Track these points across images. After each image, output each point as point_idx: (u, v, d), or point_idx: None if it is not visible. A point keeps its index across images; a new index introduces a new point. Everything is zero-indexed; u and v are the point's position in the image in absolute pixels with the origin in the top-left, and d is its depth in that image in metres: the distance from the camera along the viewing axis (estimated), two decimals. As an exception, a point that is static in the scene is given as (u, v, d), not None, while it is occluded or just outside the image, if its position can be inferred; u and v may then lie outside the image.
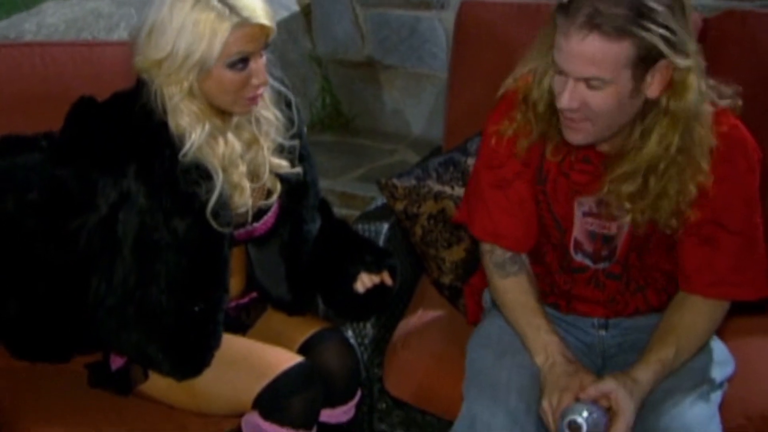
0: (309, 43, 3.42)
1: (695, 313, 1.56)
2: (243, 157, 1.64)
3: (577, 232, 1.60)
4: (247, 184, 1.64)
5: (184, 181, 1.56)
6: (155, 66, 1.52)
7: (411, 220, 1.99)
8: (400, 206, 1.99)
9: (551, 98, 1.48)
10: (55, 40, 2.75)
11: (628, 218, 1.51)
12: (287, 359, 1.64)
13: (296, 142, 1.72)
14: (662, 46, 1.35)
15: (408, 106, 3.25)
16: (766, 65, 2.00)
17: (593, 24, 1.34)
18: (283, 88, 1.71)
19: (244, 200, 1.64)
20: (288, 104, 1.72)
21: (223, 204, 1.60)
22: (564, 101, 1.41)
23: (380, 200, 2.13)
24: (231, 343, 1.67)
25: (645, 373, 1.49)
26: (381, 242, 1.97)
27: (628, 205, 1.49)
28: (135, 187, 1.55)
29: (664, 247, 1.58)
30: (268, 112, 1.68)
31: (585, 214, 1.58)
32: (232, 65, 1.53)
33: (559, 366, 1.51)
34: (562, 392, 1.47)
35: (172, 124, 1.56)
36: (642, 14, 1.34)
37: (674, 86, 1.40)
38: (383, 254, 1.81)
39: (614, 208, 1.52)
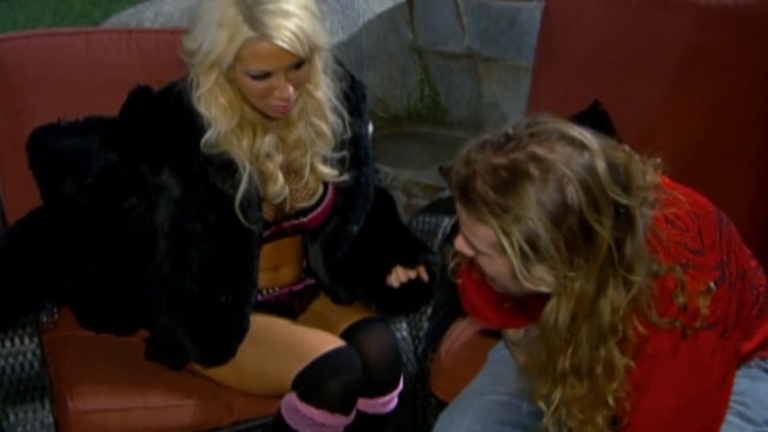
0: (410, 34, 3.42)
1: None
2: (278, 149, 1.63)
3: None
4: (281, 175, 1.63)
5: (214, 176, 1.59)
6: (190, 56, 1.56)
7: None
8: (460, 193, 1.95)
9: None
10: (143, 27, 2.86)
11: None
12: (328, 342, 1.65)
13: (345, 153, 1.69)
14: (513, 256, 1.16)
15: (505, 99, 3.18)
16: None
17: (461, 192, 1.19)
18: (338, 104, 1.67)
19: (279, 190, 1.64)
20: (342, 116, 1.68)
21: (253, 197, 1.61)
22: (456, 243, 1.27)
23: (448, 192, 2.10)
24: (275, 325, 1.71)
25: None
26: (439, 236, 1.94)
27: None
28: (171, 179, 1.59)
29: None
30: (323, 123, 1.65)
31: None
32: (252, 76, 1.52)
33: None
34: None
35: (202, 112, 1.58)
36: (507, 209, 1.14)
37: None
38: (420, 248, 1.78)
39: None
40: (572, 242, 1.15)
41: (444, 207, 2.05)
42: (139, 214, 1.63)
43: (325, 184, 1.72)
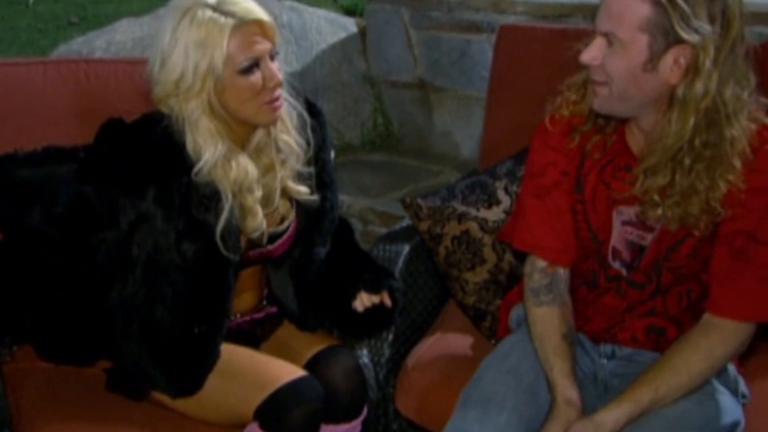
0: (363, 64, 3.47)
1: (703, 341, 1.51)
2: (260, 182, 1.66)
3: (615, 241, 1.59)
4: (260, 210, 1.66)
5: (196, 206, 1.60)
6: (173, 89, 1.57)
7: (435, 241, 1.99)
8: (424, 226, 2.00)
9: None
10: (101, 57, 2.86)
11: (659, 210, 1.49)
12: (290, 372, 1.66)
13: (312, 169, 1.74)
14: (675, 18, 1.35)
15: (457, 128, 3.25)
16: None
17: None
18: (304, 112, 1.72)
19: (257, 225, 1.66)
20: (306, 127, 1.72)
21: (233, 229, 1.62)
22: (584, 55, 1.44)
23: (408, 221, 2.14)
24: (237, 354, 1.71)
25: (612, 414, 1.49)
26: (399, 264, 1.98)
27: (657, 198, 1.48)
28: (153, 209, 1.59)
29: (700, 258, 1.55)
30: (290, 138, 1.69)
31: (624, 223, 1.57)
32: (242, 71, 1.56)
33: (558, 409, 1.54)
34: None
35: (189, 141, 1.59)
36: None
37: (688, 71, 1.39)
38: (383, 274, 1.82)
39: (648, 208, 1.51)
40: (713, 18, 1.36)
41: (403, 235, 2.09)
42: (108, 248, 1.63)
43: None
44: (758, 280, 1.48)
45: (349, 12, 3.97)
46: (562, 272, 1.65)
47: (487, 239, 1.96)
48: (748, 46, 1.43)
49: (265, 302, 1.85)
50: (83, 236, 1.64)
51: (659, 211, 1.49)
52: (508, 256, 1.96)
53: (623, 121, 1.54)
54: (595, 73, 1.45)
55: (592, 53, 1.43)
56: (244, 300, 1.80)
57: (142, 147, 1.62)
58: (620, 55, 1.40)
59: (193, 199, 1.60)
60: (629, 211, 1.55)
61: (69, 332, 1.75)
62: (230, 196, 1.61)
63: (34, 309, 1.70)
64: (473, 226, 1.98)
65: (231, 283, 1.67)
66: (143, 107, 1.71)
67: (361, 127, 3.43)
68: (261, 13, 1.57)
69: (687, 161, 1.43)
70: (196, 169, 1.59)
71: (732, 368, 1.61)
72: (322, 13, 3.65)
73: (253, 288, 1.82)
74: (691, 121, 1.40)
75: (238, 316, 1.80)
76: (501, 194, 2.00)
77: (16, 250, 1.71)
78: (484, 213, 1.99)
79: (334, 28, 3.56)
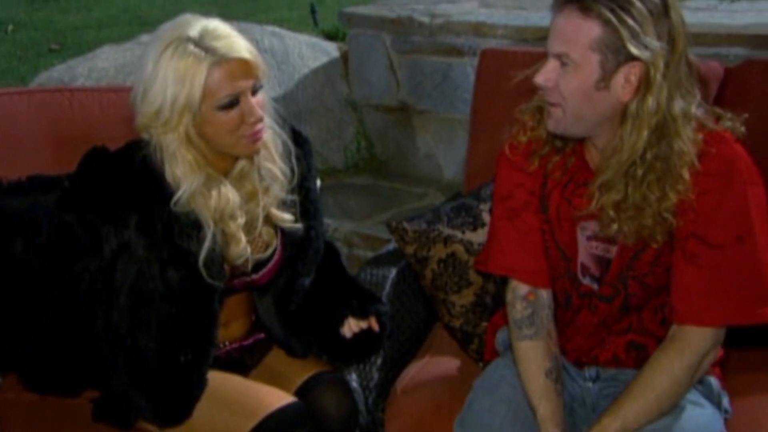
0: (346, 88, 3.50)
1: (662, 358, 1.52)
2: (242, 209, 1.66)
3: (583, 257, 1.62)
4: (242, 236, 1.66)
5: (179, 234, 1.59)
6: (152, 119, 1.57)
7: (421, 264, 2.00)
8: (410, 250, 2.01)
9: None
10: (84, 85, 2.86)
11: (615, 226, 1.52)
12: (279, 399, 1.65)
13: (296, 197, 1.74)
14: (626, 36, 1.39)
15: (440, 151, 3.27)
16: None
17: None
18: (289, 141, 1.73)
19: (241, 251, 1.66)
20: (290, 155, 1.73)
21: (216, 256, 1.62)
22: (538, 77, 1.48)
23: (393, 244, 2.15)
24: (226, 381, 1.70)
25: None
26: (386, 288, 1.98)
27: (612, 214, 1.51)
28: (135, 238, 1.59)
29: (663, 267, 1.57)
30: (274, 166, 1.70)
31: (589, 239, 1.60)
32: (221, 107, 1.56)
33: None
34: None
35: (168, 173, 1.59)
36: (621, 6, 1.40)
37: (639, 87, 1.44)
38: (370, 299, 1.82)
39: (605, 224, 1.53)
40: (660, 36, 1.41)
41: (390, 259, 2.10)
42: (91, 276, 1.62)
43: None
44: (711, 284, 1.50)
45: (331, 37, 4.00)
46: (545, 297, 1.65)
47: (473, 261, 1.97)
48: (690, 63, 1.48)
49: (253, 329, 1.85)
50: (66, 265, 1.64)
51: (615, 227, 1.53)
52: (494, 278, 1.97)
53: (581, 141, 1.57)
54: (549, 94, 1.49)
55: (546, 75, 1.47)
56: (233, 329, 1.79)
57: (125, 175, 1.62)
58: (573, 75, 1.45)
59: (175, 227, 1.60)
60: (592, 226, 1.58)
61: (55, 362, 1.74)
62: (211, 224, 1.61)
63: (19, 338, 1.69)
64: (459, 249, 1.99)
65: (216, 311, 1.67)
66: (128, 135, 1.70)
67: (345, 151, 3.44)
68: (243, 51, 1.56)
69: (639, 173, 1.47)
70: (174, 199, 1.59)
71: (715, 383, 1.63)
72: (303, 38, 3.67)
73: (243, 316, 1.81)
74: (644, 135, 1.45)
75: (227, 343, 1.79)
76: (486, 216, 2.01)
77: (1, 279, 1.70)
78: (469, 235, 2.00)
79: (315, 52, 3.58)
